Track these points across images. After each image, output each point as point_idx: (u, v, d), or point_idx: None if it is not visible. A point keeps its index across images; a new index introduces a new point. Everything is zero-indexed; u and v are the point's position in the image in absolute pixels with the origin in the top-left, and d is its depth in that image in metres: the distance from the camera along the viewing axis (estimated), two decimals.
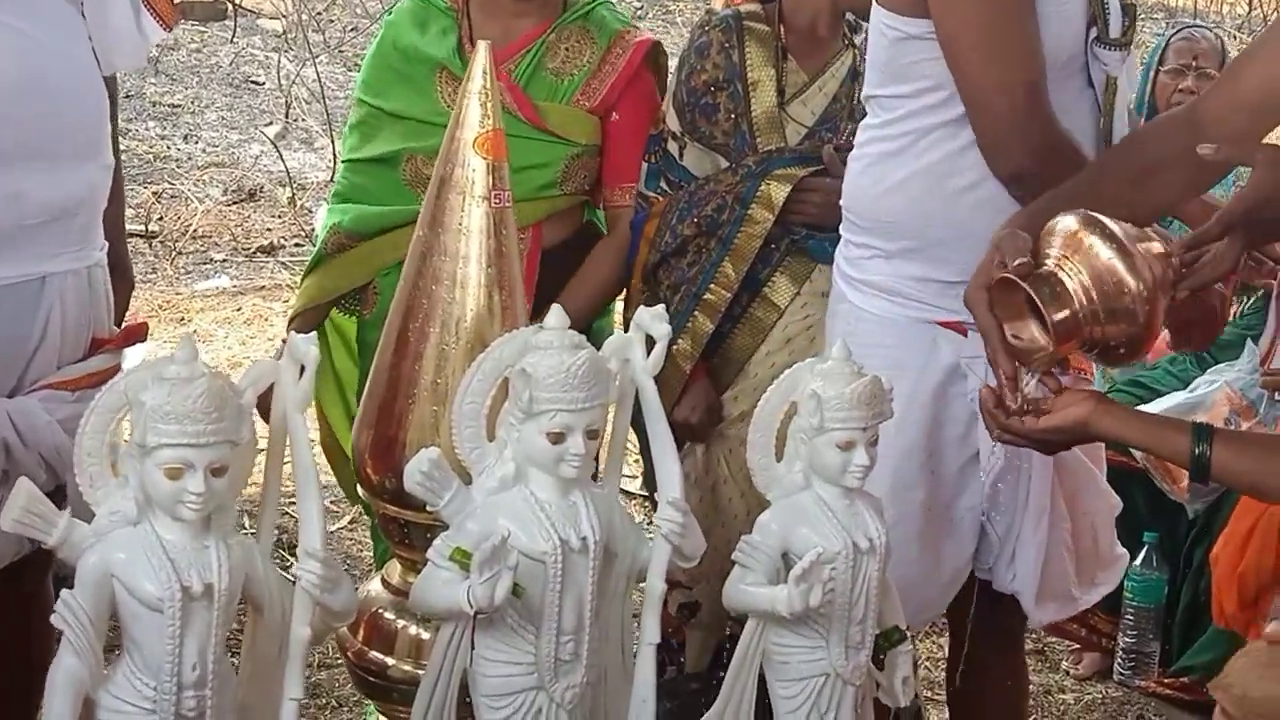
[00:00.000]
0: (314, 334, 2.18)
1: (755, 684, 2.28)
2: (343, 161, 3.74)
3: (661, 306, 2.26)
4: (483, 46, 2.36)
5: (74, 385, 2.75)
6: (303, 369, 2.11)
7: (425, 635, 2.41)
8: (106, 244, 2.88)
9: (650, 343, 2.23)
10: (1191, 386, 4.17)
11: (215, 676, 2.00)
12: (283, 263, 7.30)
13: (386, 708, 2.53)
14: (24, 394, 2.71)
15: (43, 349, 2.73)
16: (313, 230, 7.67)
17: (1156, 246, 2.23)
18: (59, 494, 2.66)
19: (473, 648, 2.13)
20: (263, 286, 6.93)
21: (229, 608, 2.01)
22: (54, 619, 1.94)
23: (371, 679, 2.48)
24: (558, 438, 2.09)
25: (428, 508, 2.16)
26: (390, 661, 2.45)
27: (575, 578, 2.10)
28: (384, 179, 3.51)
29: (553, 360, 2.07)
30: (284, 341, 2.20)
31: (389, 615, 2.49)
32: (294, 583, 2.06)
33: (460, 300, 2.36)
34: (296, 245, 7.52)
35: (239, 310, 6.58)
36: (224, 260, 7.31)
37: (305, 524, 2.08)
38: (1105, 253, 2.19)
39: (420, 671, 2.25)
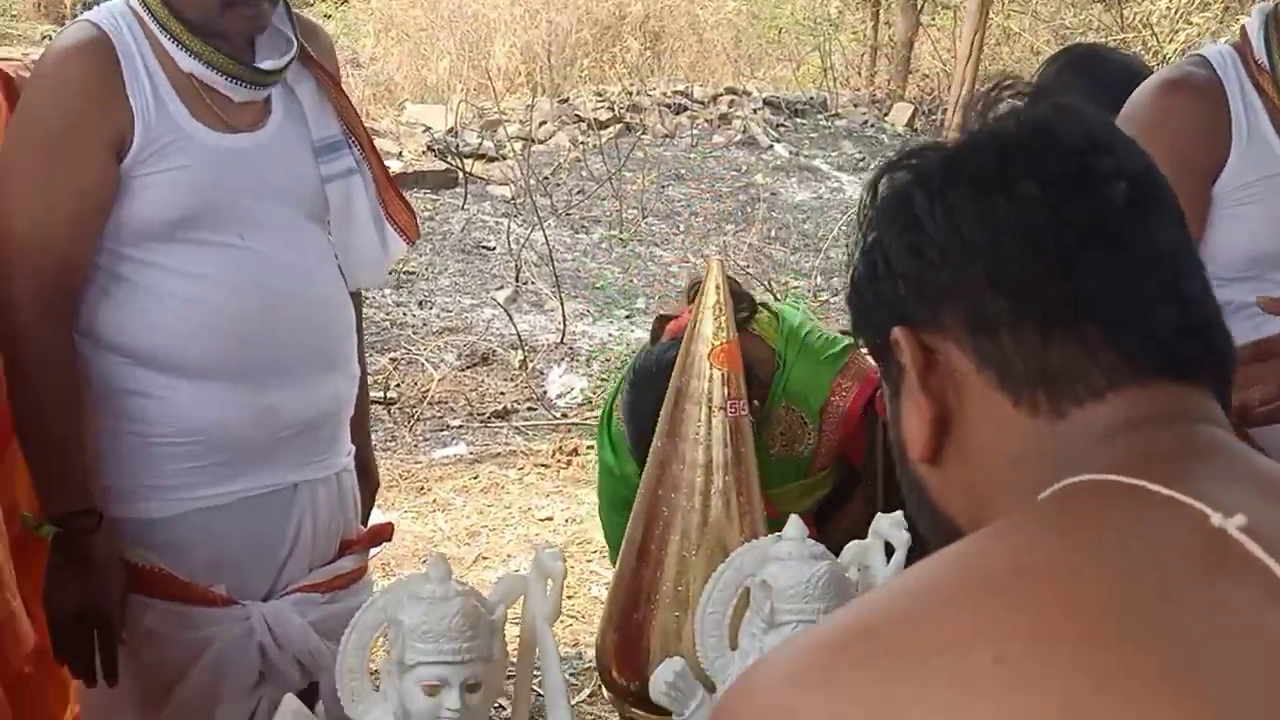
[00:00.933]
0: (559, 549, 2.23)
1: None
2: None
3: (900, 513, 2.26)
4: (714, 263, 2.41)
5: (325, 588, 2.84)
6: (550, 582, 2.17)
7: None
8: (354, 447, 2.96)
9: (890, 550, 2.24)
10: None
11: None
12: (516, 428, 7.41)
13: None
14: (277, 598, 2.79)
15: (295, 554, 2.81)
16: (544, 393, 7.81)
17: None
18: (311, 691, 2.75)
19: None
20: (498, 453, 7.03)
21: None
22: None
23: None
24: None
25: (673, 716, 2.19)
26: None
27: None
28: None
29: (792, 571, 2.09)
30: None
31: None
32: None
33: (699, 508, 2.39)
34: (529, 409, 7.63)
35: (475, 478, 6.68)
36: (460, 426, 7.43)
37: None
38: None
39: None
